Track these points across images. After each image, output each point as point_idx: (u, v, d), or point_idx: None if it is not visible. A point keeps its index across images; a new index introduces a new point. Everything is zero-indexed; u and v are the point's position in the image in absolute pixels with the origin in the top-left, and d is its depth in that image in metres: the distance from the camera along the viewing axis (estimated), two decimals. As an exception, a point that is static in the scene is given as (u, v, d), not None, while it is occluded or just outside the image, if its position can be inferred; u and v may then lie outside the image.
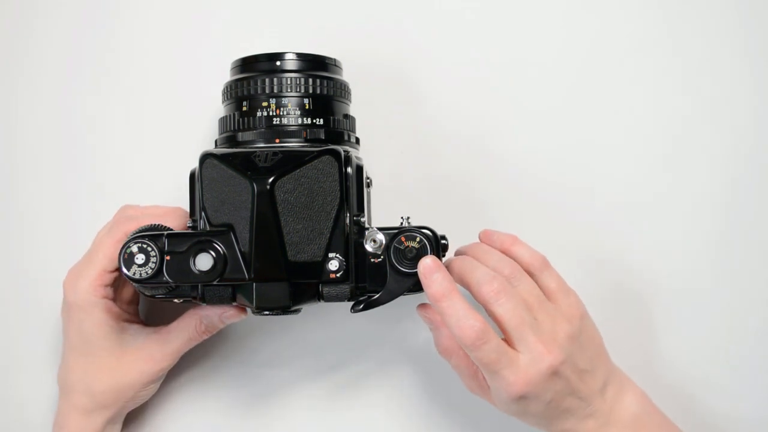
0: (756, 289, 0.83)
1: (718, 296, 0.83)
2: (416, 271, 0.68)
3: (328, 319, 0.82)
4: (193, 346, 0.76)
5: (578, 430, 0.70)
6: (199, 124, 0.82)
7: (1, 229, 0.84)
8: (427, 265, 0.68)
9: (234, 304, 0.70)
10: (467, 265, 0.70)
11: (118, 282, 0.74)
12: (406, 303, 0.78)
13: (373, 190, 0.75)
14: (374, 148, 0.81)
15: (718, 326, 0.82)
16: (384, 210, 0.77)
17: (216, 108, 0.77)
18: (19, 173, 0.84)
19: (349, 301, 0.69)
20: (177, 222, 0.72)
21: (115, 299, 0.74)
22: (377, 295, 0.69)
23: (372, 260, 0.69)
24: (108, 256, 0.72)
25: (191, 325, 0.75)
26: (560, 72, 0.84)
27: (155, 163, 0.83)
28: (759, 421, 0.82)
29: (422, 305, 0.73)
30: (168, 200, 0.78)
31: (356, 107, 0.76)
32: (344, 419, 0.82)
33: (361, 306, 0.69)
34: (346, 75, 0.75)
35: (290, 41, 0.82)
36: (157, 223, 0.70)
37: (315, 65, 0.72)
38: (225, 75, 0.74)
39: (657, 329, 0.83)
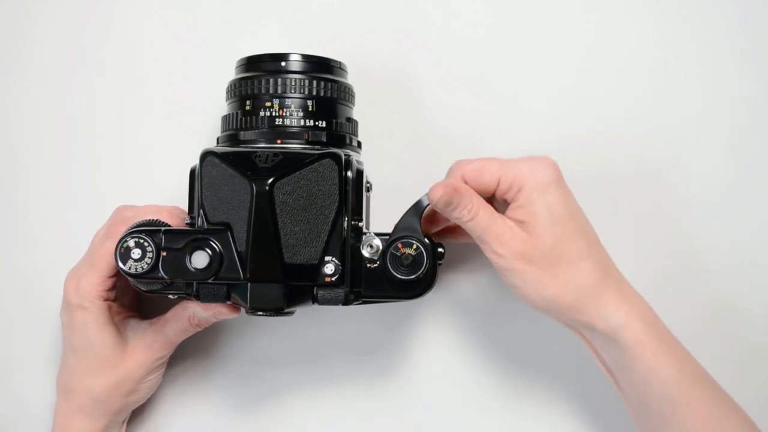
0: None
1: (720, 296, 0.83)
2: (412, 279, 0.69)
3: (327, 320, 0.82)
4: (188, 336, 0.77)
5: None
6: (201, 121, 0.82)
7: (1, 226, 0.84)
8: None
9: (228, 303, 0.70)
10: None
11: (120, 283, 0.75)
12: (400, 307, 0.78)
13: (373, 191, 0.75)
14: (375, 149, 0.81)
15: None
16: (384, 211, 0.77)
17: (219, 105, 0.76)
18: (19, 171, 0.84)
19: (343, 305, 0.69)
20: (173, 221, 0.72)
21: (116, 299, 0.75)
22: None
23: (368, 265, 0.69)
24: (111, 263, 0.72)
25: (184, 318, 0.75)
26: (561, 73, 0.84)
27: (157, 159, 0.83)
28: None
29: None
30: (168, 197, 0.78)
31: (357, 108, 0.76)
32: (341, 420, 0.82)
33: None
34: (348, 76, 0.75)
35: (294, 42, 0.82)
36: (155, 218, 0.71)
37: (319, 67, 0.72)
38: (229, 73, 0.74)
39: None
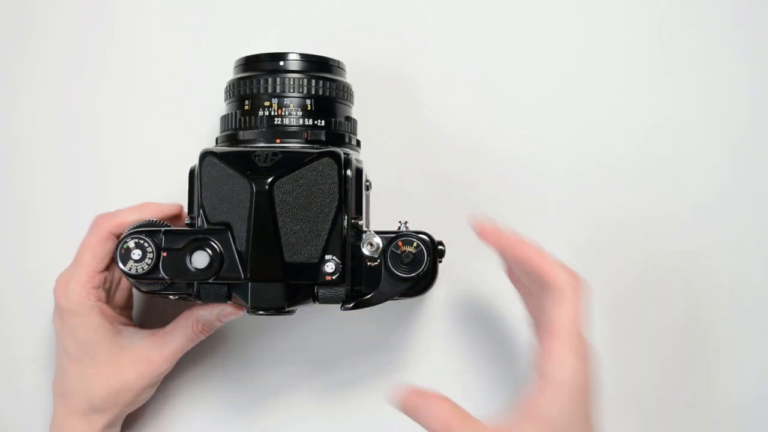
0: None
1: (713, 296, 0.83)
2: (411, 276, 0.69)
3: (325, 320, 0.82)
4: (191, 347, 0.76)
5: None
6: (201, 121, 0.82)
7: (1, 226, 0.84)
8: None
9: (229, 302, 0.70)
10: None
11: (109, 284, 0.74)
12: (401, 306, 0.78)
13: (372, 190, 0.75)
14: (375, 149, 0.81)
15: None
16: (384, 211, 0.77)
17: (219, 105, 0.77)
18: (19, 171, 0.84)
19: (344, 303, 0.69)
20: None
21: (107, 302, 0.74)
22: (369, 296, 0.70)
23: (368, 263, 0.69)
24: (96, 257, 0.72)
25: (188, 326, 0.75)
26: (560, 73, 0.84)
27: (156, 159, 0.83)
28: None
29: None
30: (168, 197, 0.78)
31: (356, 107, 0.76)
32: (339, 420, 0.82)
33: (352, 305, 0.70)
34: (347, 75, 0.75)
35: (293, 42, 0.82)
36: (155, 219, 0.71)
37: (318, 66, 0.72)
38: (228, 73, 0.74)
39: (651, 330, 0.83)
